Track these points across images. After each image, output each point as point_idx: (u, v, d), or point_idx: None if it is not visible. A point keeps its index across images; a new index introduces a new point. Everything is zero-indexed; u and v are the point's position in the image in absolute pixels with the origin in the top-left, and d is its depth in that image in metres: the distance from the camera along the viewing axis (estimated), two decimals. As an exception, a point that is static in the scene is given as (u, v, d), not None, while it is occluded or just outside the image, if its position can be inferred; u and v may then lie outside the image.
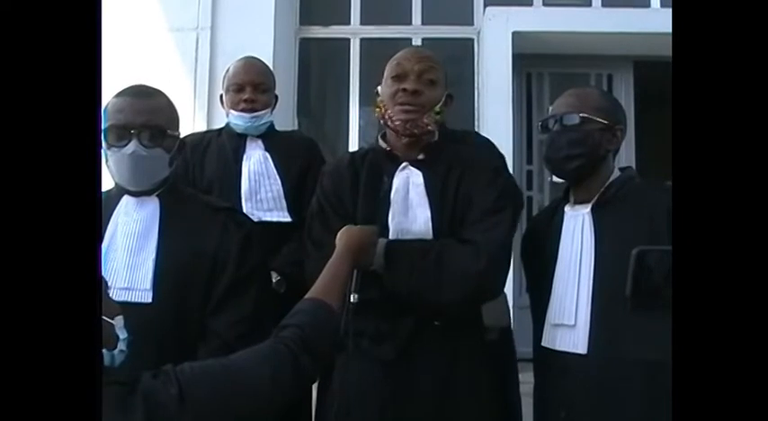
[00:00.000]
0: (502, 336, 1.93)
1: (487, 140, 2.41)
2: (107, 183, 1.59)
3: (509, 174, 2.27)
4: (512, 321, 2.08)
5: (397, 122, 1.74)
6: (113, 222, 1.65)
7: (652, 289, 1.34)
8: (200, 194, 1.91)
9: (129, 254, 1.61)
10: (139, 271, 1.60)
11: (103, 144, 1.61)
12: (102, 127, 1.60)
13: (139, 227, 1.64)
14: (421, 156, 1.79)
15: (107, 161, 1.63)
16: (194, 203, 1.76)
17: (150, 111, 1.63)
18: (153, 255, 1.61)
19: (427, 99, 1.73)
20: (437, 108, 1.75)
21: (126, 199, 1.68)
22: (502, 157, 2.33)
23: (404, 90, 1.73)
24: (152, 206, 1.67)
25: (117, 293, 1.54)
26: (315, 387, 1.82)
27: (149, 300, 1.58)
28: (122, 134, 1.60)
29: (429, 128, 1.75)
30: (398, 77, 1.75)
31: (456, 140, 2.13)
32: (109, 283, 1.51)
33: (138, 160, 1.61)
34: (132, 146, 1.59)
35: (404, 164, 1.78)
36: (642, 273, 1.46)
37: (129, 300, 1.56)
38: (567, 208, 1.85)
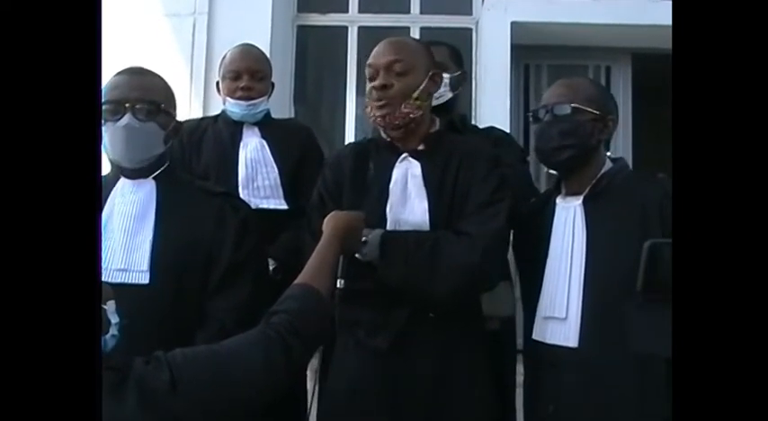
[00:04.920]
0: (503, 326, 1.93)
1: (507, 135, 2.43)
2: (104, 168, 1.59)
3: (527, 167, 2.28)
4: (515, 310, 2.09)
5: (378, 119, 1.75)
6: (110, 204, 1.66)
7: (663, 281, 1.33)
8: (196, 180, 1.91)
9: (125, 235, 1.62)
10: (136, 252, 1.60)
11: None
12: None
13: (136, 208, 1.65)
14: (421, 147, 1.79)
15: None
16: (191, 188, 1.77)
17: (145, 87, 1.67)
18: (150, 237, 1.61)
19: (399, 90, 1.73)
20: (415, 94, 1.74)
21: (122, 181, 1.69)
22: (521, 151, 2.35)
23: (374, 87, 1.75)
24: (148, 188, 1.68)
25: (113, 275, 1.55)
26: (316, 377, 1.83)
27: (146, 281, 1.59)
28: (117, 108, 1.62)
29: (411, 115, 1.74)
30: (371, 78, 1.77)
31: (478, 135, 2.16)
32: (105, 265, 1.52)
33: (131, 132, 1.62)
34: (126, 118, 1.62)
35: (404, 155, 1.79)
36: (655, 266, 1.46)
37: (125, 281, 1.57)
38: (558, 199, 1.84)
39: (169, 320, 1.58)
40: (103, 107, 1.62)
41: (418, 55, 1.79)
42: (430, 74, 1.78)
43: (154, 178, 1.70)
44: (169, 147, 1.74)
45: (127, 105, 1.62)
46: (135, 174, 1.69)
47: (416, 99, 1.74)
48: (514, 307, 1.96)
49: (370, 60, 1.79)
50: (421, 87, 1.75)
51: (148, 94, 1.65)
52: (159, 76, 1.74)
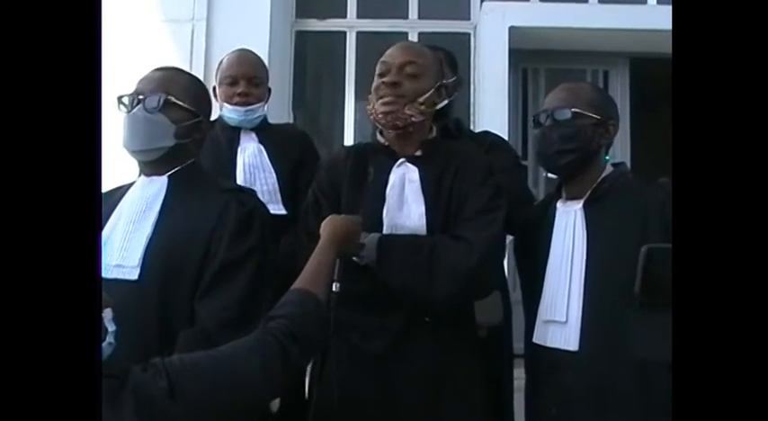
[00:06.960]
0: (495, 333, 1.93)
1: (502, 140, 2.43)
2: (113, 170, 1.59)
3: (525, 173, 2.27)
4: (510, 316, 2.09)
5: (380, 115, 1.74)
6: (123, 202, 1.66)
7: (661, 286, 1.33)
8: (215, 178, 1.85)
9: (127, 231, 1.60)
10: (132, 248, 1.58)
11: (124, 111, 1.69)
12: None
13: (142, 205, 1.64)
14: (418, 153, 1.79)
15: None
16: (204, 186, 1.71)
17: (162, 80, 1.69)
18: (148, 233, 1.59)
19: (407, 90, 1.73)
20: (421, 99, 1.73)
21: (140, 179, 1.70)
22: (516, 157, 2.35)
23: (383, 83, 1.74)
24: (159, 185, 1.66)
25: (111, 271, 1.54)
26: (311, 382, 1.82)
27: (135, 278, 1.55)
28: (133, 99, 1.67)
29: (413, 119, 1.73)
30: (382, 73, 1.77)
31: (473, 140, 2.16)
32: (107, 261, 1.52)
33: (137, 121, 1.65)
34: (137, 109, 1.65)
35: (401, 160, 1.78)
36: (652, 270, 1.46)
37: (118, 277, 1.54)
38: (559, 204, 1.85)
39: (155, 318, 1.53)
40: (126, 99, 1.68)
41: (431, 63, 1.80)
42: (437, 84, 1.78)
43: (168, 176, 1.67)
44: (188, 143, 1.68)
45: (141, 97, 1.66)
46: (150, 169, 1.68)
47: (422, 104, 1.74)
48: (502, 315, 1.96)
49: (384, 58, 1.78)
50: (428, 94, 1.75)
51: (162, 86, 1.67)
52: (189, 75, 1.78)
